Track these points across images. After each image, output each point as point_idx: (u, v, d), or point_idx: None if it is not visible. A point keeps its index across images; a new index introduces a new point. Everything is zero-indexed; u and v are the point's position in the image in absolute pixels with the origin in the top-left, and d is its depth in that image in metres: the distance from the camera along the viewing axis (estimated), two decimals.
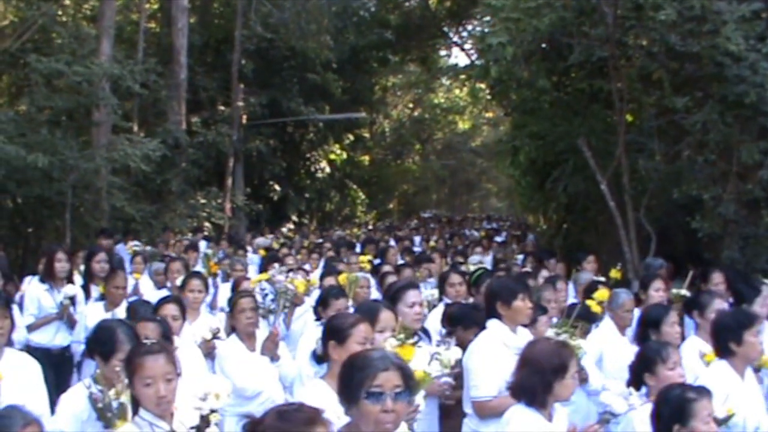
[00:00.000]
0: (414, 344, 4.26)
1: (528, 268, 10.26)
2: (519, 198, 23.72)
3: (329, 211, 32.31)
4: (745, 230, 10.49)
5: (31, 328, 7.22)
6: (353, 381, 2.88)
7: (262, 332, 5.91)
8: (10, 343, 5.77)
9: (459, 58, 56.40)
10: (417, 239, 20.25)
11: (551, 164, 15.11)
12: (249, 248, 14.60)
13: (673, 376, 4.26)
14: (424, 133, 44.57)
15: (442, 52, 34.08)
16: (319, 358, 4.17)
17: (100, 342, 4.12)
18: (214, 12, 26.57)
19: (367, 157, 37.30)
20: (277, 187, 26.58)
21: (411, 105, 44.24)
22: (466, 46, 28.08)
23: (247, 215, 24.20)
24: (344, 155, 32.01)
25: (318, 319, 5.67)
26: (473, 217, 38.77)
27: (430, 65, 33.11)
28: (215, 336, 5.94)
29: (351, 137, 32.70)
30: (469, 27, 26.77)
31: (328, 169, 29.74)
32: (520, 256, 13.11)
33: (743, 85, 9.56)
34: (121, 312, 6.40)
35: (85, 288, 7.81)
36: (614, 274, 8.15)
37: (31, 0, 16.22)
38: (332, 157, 30.61)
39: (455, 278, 7.19)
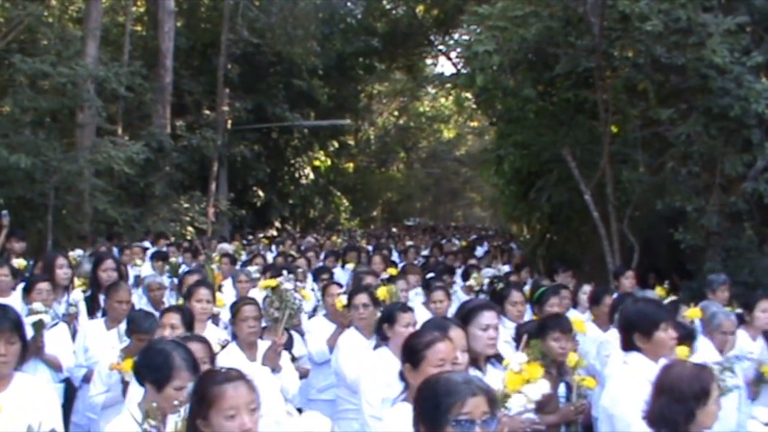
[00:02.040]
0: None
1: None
2: (503, 207, 23.63)
3: (313, 217, 32.27)
4: (727, 242, 10.53)
5: None
6: (439, 407, 2.64)
7: (264, 342, 5.49)
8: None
9: (445, 66, 56.68)
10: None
11: (535, 174, 15.10)
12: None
13: None
14: (408, 141, 44.64)
15: (429, 61, 34.20)
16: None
17: (154, 368, 3.57)
18: (201, 16, 26.56)
19: (351, 164, 37.34)
20: (260, 193, 26.56)
21: (396, 113, 44.29)
22: (453, 55, 28.09)
23: (230, 220, 24.16)
24: (328, 162, 32.04)
25: (384, 338, 5.12)
26: (456, 226, 38.86)
27: (416, 73, 33.24)
28: (224, 348, 5.44)
29: (336, 144, 32.75)
30: (456, 35, 26.78)
31: (312, 176, 29.74)
32: (505, 267, 12.89)
33: (728, 98, 9.61)
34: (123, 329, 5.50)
35: (93, 299, 6.94)
36: (660, 291, 7.78)
37: (17, 0, 16.12)
38: (316, 163, 30.63)
39: (517, 296, 6.63)
